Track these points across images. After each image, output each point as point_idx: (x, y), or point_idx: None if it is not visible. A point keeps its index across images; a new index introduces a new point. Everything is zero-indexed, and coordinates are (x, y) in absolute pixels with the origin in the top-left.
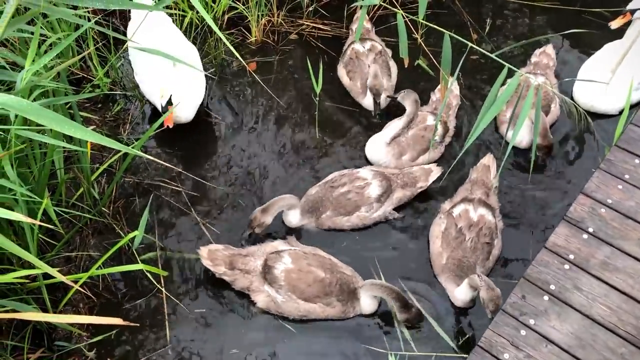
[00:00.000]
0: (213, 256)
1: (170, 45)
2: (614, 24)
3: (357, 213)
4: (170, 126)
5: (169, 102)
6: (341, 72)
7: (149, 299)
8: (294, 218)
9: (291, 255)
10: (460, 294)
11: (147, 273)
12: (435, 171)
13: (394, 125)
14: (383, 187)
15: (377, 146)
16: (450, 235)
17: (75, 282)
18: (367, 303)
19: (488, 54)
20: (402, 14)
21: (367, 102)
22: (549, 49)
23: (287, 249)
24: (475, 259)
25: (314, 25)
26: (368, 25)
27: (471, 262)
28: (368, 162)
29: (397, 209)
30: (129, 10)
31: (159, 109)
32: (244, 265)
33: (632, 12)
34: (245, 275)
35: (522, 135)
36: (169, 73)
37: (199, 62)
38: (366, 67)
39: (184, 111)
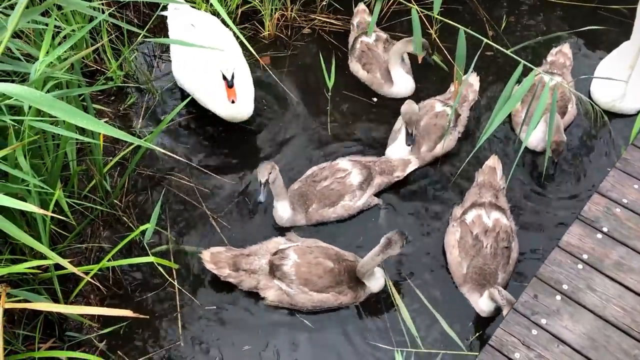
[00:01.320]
0: (216, 259)
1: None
2: None
3: (342, 202)
4: (235, 100)
5: (233, 76)
6: (355, 66)
7: (161, 292)
8: (284, 212)
9: (296, 251)
10: (484, 305)
11: (158, 266)
12: (414, 163)
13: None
14: (363, 174)
15: (398, 150)
16: (467, 243)
17: (87, 273)
18: (375, 282)
19: (504, 50)
20: (416, 9)
21: (396, 91)
22: (566, 47)
23: (290, 245)
24: (496, 265)
25: (327, 20)
26: (368, 18)
27: (492, 269)
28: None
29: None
30: (148, 6)
31: (227, 79)
32: (248, 265)
33: None
34: (252, 275)
35: (538, 140)
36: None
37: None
38: (381, 57)
39: (245, 107)
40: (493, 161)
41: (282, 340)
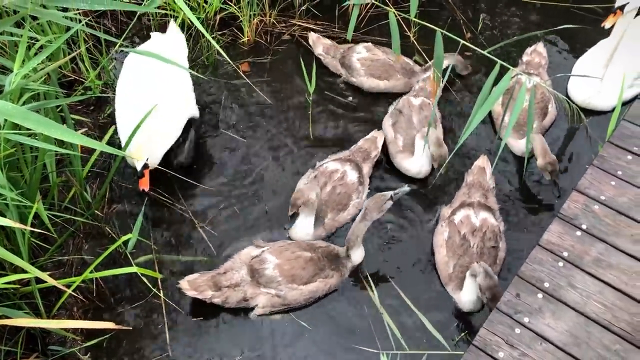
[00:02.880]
0: (195, 285)
1: (159, 80)
2: (607, 23)
3: (352, 202)
4: (147, 189)
5: (145, 166)
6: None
7: (146, 303)
8: (309, 229)
9: (273, 253)
10: (465, 295)
11: (142, 277)
12: (380, 136)
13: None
14: (355, 168)
15: (417, 162)
16: (454, 243)
17: (69, 286)
18: (356, 255)
19: (480, 51)
20: (394, 13)
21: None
22: (540, 47)
23: (262, 249)
24: None
25: (306, 25)
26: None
27: None
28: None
29: None
30: (126, 14)
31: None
32: (228, 281)
33: (622, 8)
34: (236, 288)
35: (522, 146)
36: (147, 118)
37: (192, 99)
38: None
39: (152, 157)
40: (482, 161)
41: (269, 349)
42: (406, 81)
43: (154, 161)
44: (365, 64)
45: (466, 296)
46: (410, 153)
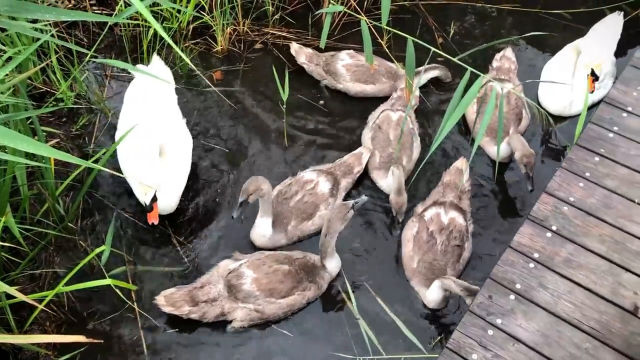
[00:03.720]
0: (172, 300)
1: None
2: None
3: (318, 213)
4: (156, 222)
5: (154, 199)
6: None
7: (119, 315)
8: (267, 229)
9: (250, 267)
10: (431, 294)
11: (116, 289)
12: (365, 153)
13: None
14: (330, 181)
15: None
16: (421, 238)
17: (41, 300)
18: (333, 264)
19: (451, 58)
20: (365, 21)
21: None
22: (509, 52)
23: (239, 263)
24: (445, 261)
25: (280, 33)
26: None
27: (442, 265)
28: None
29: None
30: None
31: (143, 204)
32: (205, 295)
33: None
34: (213, 303)
35: (503, 152)
36: (154, 162)
37: (189, 146)
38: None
39: (167, 202)
40: (461, 163)
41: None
42: (392, 84)
43: (170, 209)
44: (350, 69)
45: (432, 295)
46: (386, 171)
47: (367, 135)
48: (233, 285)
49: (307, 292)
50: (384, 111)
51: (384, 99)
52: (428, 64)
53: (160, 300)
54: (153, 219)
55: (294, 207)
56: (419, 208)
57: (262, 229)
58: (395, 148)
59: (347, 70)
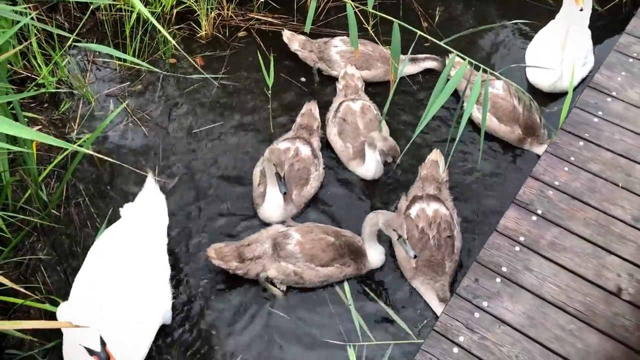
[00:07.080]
0: (221, 254)
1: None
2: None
3: (312, 175)
4: None
5: (102, 343)
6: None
7: None
8: (280, 199)
9: (298, 231)
10: (367, 164)
11: None
12: (313, 106)
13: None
14: (306, 144)
15: (369, 167)
16: (413, 237)
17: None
18: (374, 257)
19: (437, 41)
20: (351, 5)
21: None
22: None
23: (289, 228)
24: (442, 255)
25: (265, 18)
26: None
27: (439, 260)
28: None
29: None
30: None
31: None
32: (251, 252)
33: None
34: (257, 261)
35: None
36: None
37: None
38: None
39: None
40: (435, 155)
41: (230, 343)
42: (386, 69)
43: None
44: (345, 55)
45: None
46: (362, 159)
47: (332, 131)
48: (278, 243)
49: (345, 268)
50: (342, 103)
51: (379, 84)
52: (414, 49)
53: (211, 252)
54: None
55: (289, 177)
56: (403, 204)
57: (277, 199)
58: (367, 136)
59: (341, 56)
